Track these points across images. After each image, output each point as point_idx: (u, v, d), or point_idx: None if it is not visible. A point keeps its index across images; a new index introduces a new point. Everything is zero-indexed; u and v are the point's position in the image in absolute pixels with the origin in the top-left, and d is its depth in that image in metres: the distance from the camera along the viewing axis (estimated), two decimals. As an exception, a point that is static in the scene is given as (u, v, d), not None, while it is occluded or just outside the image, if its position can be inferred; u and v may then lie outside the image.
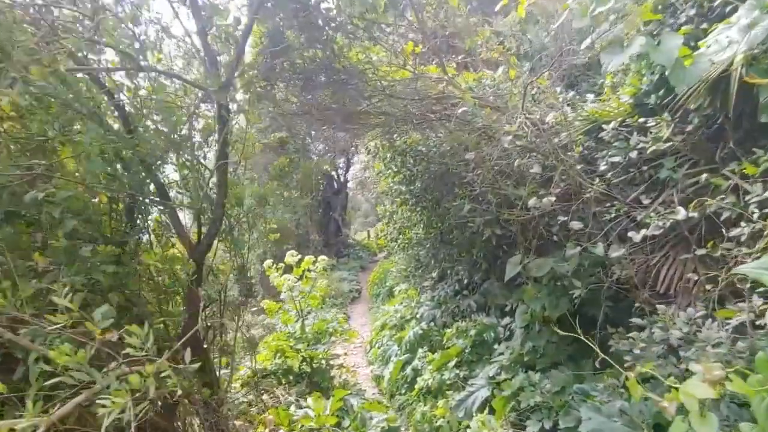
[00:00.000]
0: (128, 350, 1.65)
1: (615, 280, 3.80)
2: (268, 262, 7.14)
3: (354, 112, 4.35)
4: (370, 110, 4.36)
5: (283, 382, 6.75)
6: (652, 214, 3.36)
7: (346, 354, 10.10)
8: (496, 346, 5.95)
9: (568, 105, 4.01)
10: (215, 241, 3.91)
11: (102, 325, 1.78)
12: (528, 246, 4.45)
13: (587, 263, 4.51)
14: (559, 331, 4.57)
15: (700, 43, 2.85)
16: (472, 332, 6.30)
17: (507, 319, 6.31)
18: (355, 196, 29.68)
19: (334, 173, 23.96)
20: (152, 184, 3.55)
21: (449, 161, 4.88)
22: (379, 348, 8.92)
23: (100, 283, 2.99)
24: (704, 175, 3.08)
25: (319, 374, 6.85)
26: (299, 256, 7.20)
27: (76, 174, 3.25)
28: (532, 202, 3.60)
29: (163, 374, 1.90)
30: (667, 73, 2.83)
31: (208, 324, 3.96)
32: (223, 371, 5.21)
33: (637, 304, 3.54)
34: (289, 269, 7.43)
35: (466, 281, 7.27)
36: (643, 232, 3.26)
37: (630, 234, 3.31)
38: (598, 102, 4.11)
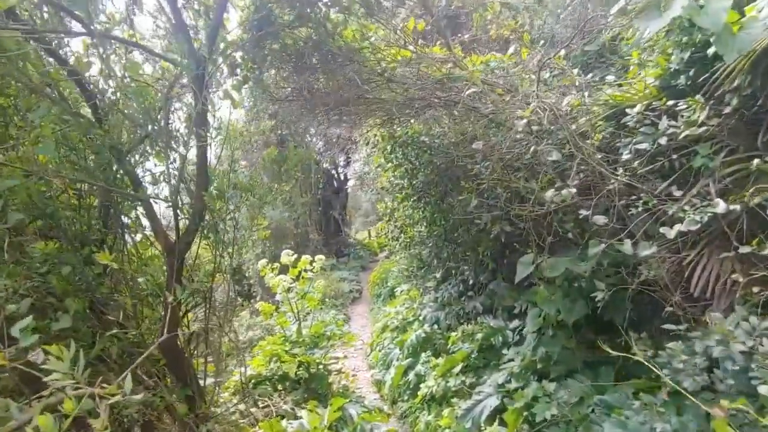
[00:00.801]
0: (53, 376, 1.27)
1: (641, 282, 3.42)
2: (263, 262, 6.77)
3: (350, 99, 3.98)
4: (367, 96, 3.99)
5: (279, 389, 6.38)
6: (686, 208, 2.97)
7: (345, 357, 9.73)
8: (504, 351, 5.57)
9: (586, 89, 3.63)
10: (198, 239, 3.54)
11: (27, 342, 1.41)
12: (541, 244, 4.07)
13: (606, 263, 4.13)
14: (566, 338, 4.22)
15: (747, 8, 2.47)
16: (479, 336, 5.92)
17: (516, 322, 5.94)
18: (356, 194, 29.34)
19: (334, 171, 23.61)
20: (125, 176, 3.17)
21: (454, 152, 4.50)
22: (380, 351, 8.56)
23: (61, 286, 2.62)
24: (755, 161, 2.70)
25: (316, 380, 6.48)
26: (295, 256, 6.82)
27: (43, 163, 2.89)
28: (549, 194, 3.22)
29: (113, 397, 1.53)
30: (712, 40, 2.46)
31: (191, 330, 3.59)
32: (212, 380, 4.84)
33: (669, 309, 3.15)
34: (285, 269, 7.06)
35: (471, 281, 6.89)
36: (677, 227, 2.88)
37: (662, 230, 2.93)
38: (620, 85, 3.72)
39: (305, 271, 6.87)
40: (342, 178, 23.17)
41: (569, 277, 4.43)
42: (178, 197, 3.22)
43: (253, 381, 6.17)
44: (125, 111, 3.18)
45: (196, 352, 3.74)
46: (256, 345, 8.46)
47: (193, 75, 2.89)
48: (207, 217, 3.45)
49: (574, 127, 3.54)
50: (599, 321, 4.54)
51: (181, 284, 3.22)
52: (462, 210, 4.92)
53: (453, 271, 6.85)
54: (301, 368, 6.43)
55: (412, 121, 5.02)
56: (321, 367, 6.51)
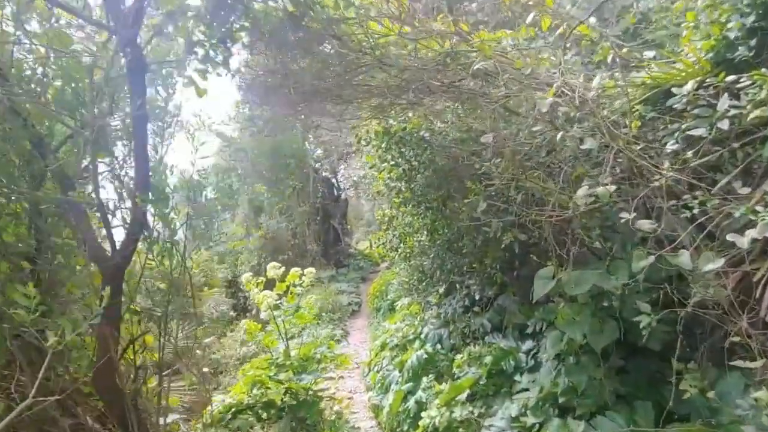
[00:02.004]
0: None
1: (692, 301, 2.74)
2: (247, 275, 6.10)
3: (335, 84, 3.36)
4: (355, 80, 3.36)
5: (263, 418, 5.69)
6: (758, 209, 2.31)
7: (341, 378, 9.03)
8: (517, 378, 4.88)
9: (619, 66, 2.98)
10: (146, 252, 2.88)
11: None
12: (564, 255, 3.41)
13: (643, 278, 3.47)
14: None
15: None
16: (488, 359, 5.22)
17: (529, 343, 5.25)
18: (358, 203, 28.69)
19: (333, 179, 22.98)
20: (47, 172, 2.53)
21: (460, 148, 3.87)
22: (378, 372, 7.85)
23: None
24: None
25: (305, 408, 5.77)
26: (282, 269, 6.16)
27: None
28: (581, 193, 2.56)
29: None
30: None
31: (137, 364, 2.92)
32: (176, 415, 4.17)
33: (734, 338, 2.48)
34: (272, 284, 6.40)
35: (477, 296, 6.21)
36: (750, 233, 2.21)
37: (730, 237, 2.26)
38: (660, 62, 3.08)
39: (294, 285, 6.20)
40: (341, 186, 22.58)
41: (595, 295, 3.76)
42: (118, 200, 2.57)
43: (232, 410, 5.48)
44: (51, 94, 2.55)
45: (145, 387, 3.06)
46: (248, 362, 7.79)
47: (125, 39, 2.26)
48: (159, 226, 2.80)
49: (605, 112, 2.89)
50: (628, 345, 3.87)
51: (120, 306, 2.56)
52: (468, 216, 4.26)
53: (457, 285, 6.17)
54: (287, 395, 5.75)
55: (410, 114, 4.39)
56: (311, 393, 5.82)
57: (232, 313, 14.55)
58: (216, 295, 13.41)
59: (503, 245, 3.85)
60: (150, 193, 2.45)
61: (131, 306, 2.76)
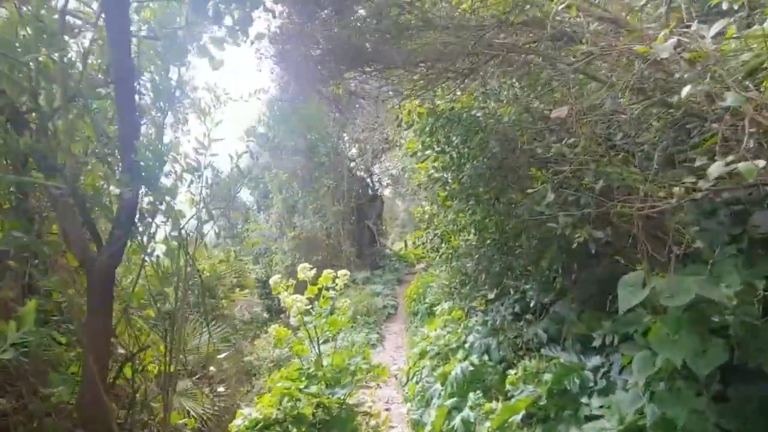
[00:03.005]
0: None
1: None
2: (275, 278, 5.62)
3: (373, 52, 2.79)
4: (396, 47, 2.78)
5: (294, 434, 5.20)
6: None
7: (378, 387, 8.46)
8: (584, 400, 4.17)
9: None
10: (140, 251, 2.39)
11: None
12: (658, 257, 2.74)
13: (763, 285, 2.74)
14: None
15: None
16: (547, 376, 4.53)
17: (596, 360, 4.52)
18: (392, 203, 28.13)
19: (368, 179, 22.48)
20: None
21: (522, 128, 3.22)
22: (417, 383, 7.23)
23: None
24: None
25: (339, 424, 5.24)
26: (314, 271, 5.64)
27: None
28: (714, 168, 1.88)
29: None
30: None
31: (134, 387, 2.43)
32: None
33: None
34: (305, 286, 5.90)
35: (532, 302, 5.51)
36: None
37: None
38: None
39: (326, 289, 5.67)
40: (376, 185, 22.06)
41: (691, 305, 3.03)
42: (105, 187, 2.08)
43: (259, 425, 5.01)
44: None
45: (140, 420, 2.56)
46: (278, 370, 7.35)
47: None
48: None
49: (723, 71, 2.19)
50: (730, 367, 3.12)
51: (109, 316, 2.07)
52: (528, 210, 3.60)
53: (511, 290, 5.49)
54: (320, 408, 5.23)
55: (458, 93, 3.76)
56: (345, 407, 5.28)
57: (265, 314, 14.28)
58: (249, 297, 13.13)
59: (575, 244, 3.17)
60: (140, 176, 1.95)
61: (126, 316, 2.28)
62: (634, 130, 3.10)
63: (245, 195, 25.16)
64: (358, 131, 17.22)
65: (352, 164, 20.21)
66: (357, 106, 15.30)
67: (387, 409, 7.78)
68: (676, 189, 2.63)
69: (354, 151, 20.82)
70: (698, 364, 2.83)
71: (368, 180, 21.98)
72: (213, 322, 9.53)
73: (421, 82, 3.41)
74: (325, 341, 9.80)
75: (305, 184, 17.43)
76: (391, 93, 4.01)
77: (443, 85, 3.53)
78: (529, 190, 3.23)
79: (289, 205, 18.05)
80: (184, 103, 2.83)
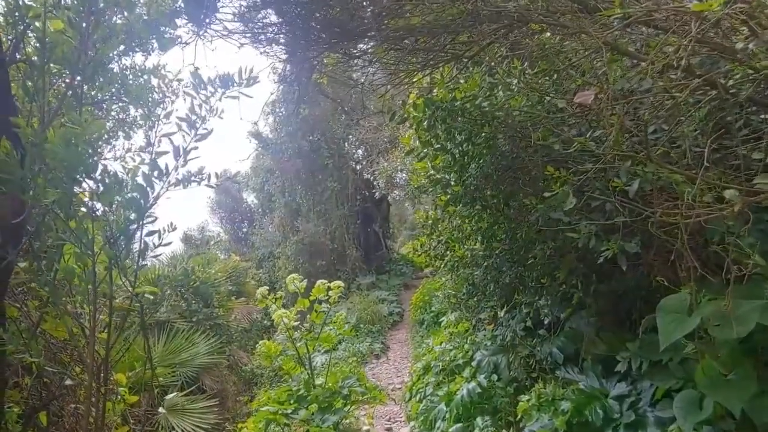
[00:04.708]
0: None
1: None
2: (262, 290, 5.11)
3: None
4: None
5: (282, 462, 4.69)
6: None
7: (380, 402, 7.94)
8: (608, 434, 3.62)
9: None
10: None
11: None
12: (707, 276, 2.20)
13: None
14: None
15: None
16: (565, 405, 3.97)
17: (621, 387, 3.95)
18: (401, 205, 27.53)
19: (374, 181, 21.92)
20: None
21: (534, 122, 2.69)
22: (420, 401, 6.69)
23: None
24: None
25: (331, 453, 4.73)
26: (304, 281, 5.14)
27: None
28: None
29: None
30: None
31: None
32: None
33: None
34: (294, 298, 5.40)
35: (546, 318, 4.94)
36: None
37: None
38: None
39: (319, 302, 5.17)
40: (380, 186, 21.48)
41: (745, 338, 2.47)
42: None
43: (242, 456, 4.52)
44: None
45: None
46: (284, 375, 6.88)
47: None
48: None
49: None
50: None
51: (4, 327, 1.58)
52: (543, 217, 3.06)
53: (523, 305, 4.94)
54: (310, 435, 4.72)
55: (461, 80, 3.23)
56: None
57: (266, 322, 13.83)
58: (250, 304, 12.69)
59: (605, 258, 2.63)
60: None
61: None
62: (670, 122, 2.55)
63: (250, 198, 24.80)
64: (364, 132, 16.71)
65: (359, 166, 19.69)
66: (364, 109, 14.81)
67: (388, 429, 7.26)
68: (729, 192, 2.10)
69: (360, 152, 20.32)
70: (759, 411, 2.28)
71: (375, 183, 21.47)
72: (207, 332, 9.09)
73: (413, 60, 2.87)
74: (326, 351, 9.29)
75: (308, 186, 16.97)
76: (380, 78, 3.48)
77: (440, 69, 3.01)
78: (546, 194, 2.70)
79: (292, 209, 17.60)
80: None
